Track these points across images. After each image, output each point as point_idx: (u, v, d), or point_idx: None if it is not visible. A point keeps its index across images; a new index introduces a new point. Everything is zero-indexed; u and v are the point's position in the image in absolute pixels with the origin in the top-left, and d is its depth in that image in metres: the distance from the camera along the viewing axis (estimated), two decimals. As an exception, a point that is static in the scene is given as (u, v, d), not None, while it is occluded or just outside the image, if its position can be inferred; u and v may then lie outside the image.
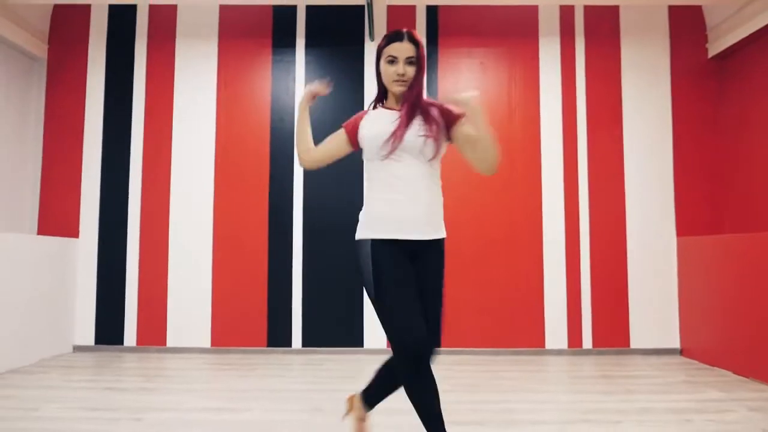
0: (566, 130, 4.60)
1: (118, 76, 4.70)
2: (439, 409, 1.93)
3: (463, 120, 1.98)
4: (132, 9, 4.71)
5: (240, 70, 4.69)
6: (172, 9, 4.71)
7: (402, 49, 1.97)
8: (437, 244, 2.01)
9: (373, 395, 2.15)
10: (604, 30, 4.65)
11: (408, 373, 1.89)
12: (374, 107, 2.15)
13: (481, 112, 1.89)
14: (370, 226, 2.01)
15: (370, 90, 4.61)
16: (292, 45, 4.69)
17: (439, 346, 1.95)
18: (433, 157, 1.99)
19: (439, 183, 2.05)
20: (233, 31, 4.71)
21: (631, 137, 4.59)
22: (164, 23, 4.72)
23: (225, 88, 4.67)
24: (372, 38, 4.58)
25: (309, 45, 4.69)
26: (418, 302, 1.90)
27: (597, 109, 4.61)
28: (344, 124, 2.18)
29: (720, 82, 4.60)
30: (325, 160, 2.22)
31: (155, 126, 4.67)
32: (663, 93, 4.61)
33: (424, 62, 2.01)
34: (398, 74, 1.98)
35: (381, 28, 4.65)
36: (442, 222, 2.05)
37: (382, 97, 2.12)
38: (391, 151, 1.96)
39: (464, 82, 4.64)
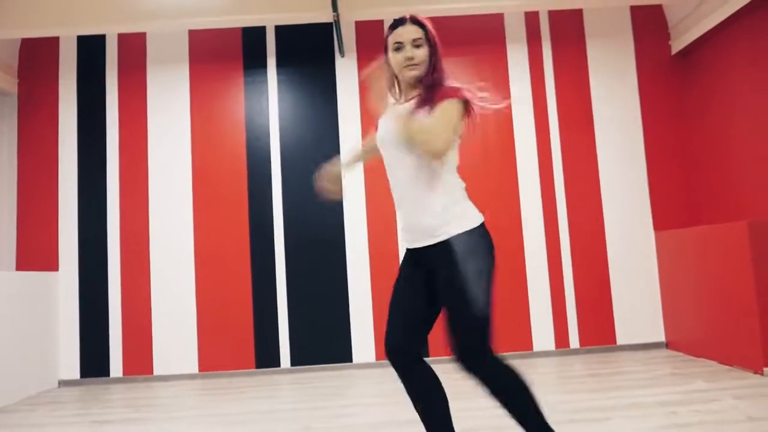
0: (539, 134, 4.66)
1: (91, 106, 4.69)
2: (426, 413, 1.89)
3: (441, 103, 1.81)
4: (101, 39, 4.72)
5: (213, 93, 4.70)
6: (141, 37, 4.72)
7: (406, 32, 1.85)
8: (442, 246, 1.80)
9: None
10: (569, 33, 4.74)
11: (396, 367, 1.90)
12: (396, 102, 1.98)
13: (406, 128, 1.74)
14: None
15: (344, 105, 4.65)
16: (263, 65, 4.71)
17: (484, 353, 1.80)
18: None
19: (446, 178, 1.86)
20: (204, 55, 4.73)
21: (603, 137, 4.66)
22: (134, 51, 4.73)
23: (199, 112, 4.68)
24: (342, 54, 4.62)
25: (280, 64, 4.72)
26: (405, 312, 1.88)
27: (568, 111, 4.68)
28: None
29: (685, 77, 4.70)
30: (371, 152, 2.14)
31: (130, 154, 4.65)
32: (631, 91, 4.70)
33: (437, 45, 1.87)
34: (407, 58, 1.84)
35: (350, 44, 4.69)
36: (450, 218, 1.82)
37: (401, 92, 1.97)
38: (393, 152, 1.87)
39: (436, 92, 4.69)
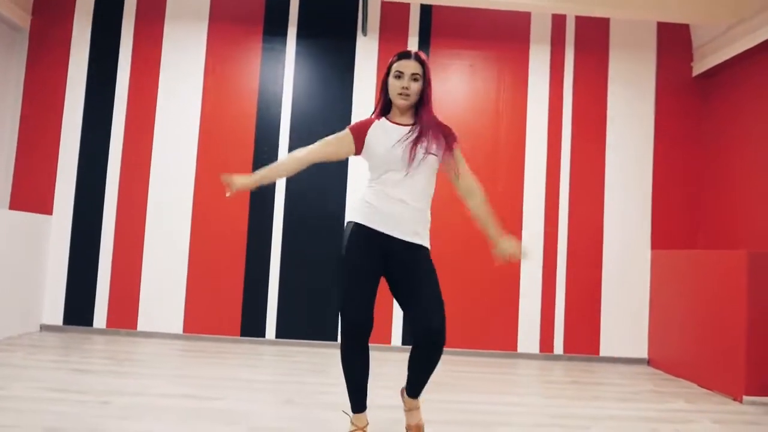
0: (551, 139, 4.65)
1: (103, 52, 4.60)
2: (366, 383, 2.28)
3: (455, 148, 2.31)
4: (121, -15, 4.62)
5: (229, 55, 4.63)
6: (163, -12, 4.63)
7: (409, 66, 2.21)
8: (418, 247, 2.25)
9: (414, 388, 2.31)
10: (593, 41, 4.71)
11: (345, 341, 2.24)
12: (377, 117, 2.34)
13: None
14: (357, 212, 2.29)
15: (359, 85, 4.60)
16: (283, 34, 4.64)
17: (444, 339, 2.18)
18: (433, 174, 2.28)
19: (430, 199, 2.31)
20: (224, 15, 4.65)
21: (614, 148, 4.65)
22: (154, 2, 4.63)
23: (212, 73, 4.61)
24: (365, 33, 4.56)
25: (300, 35, 4.65)
26: (369, 293, 2.21)
27: (582, 119, 4.66)
28: (351, 128, 2.33)
29: (703, 101, 4.69)
30: (321, 160, 2.38)
31: (138, 107, 4.58)
32: (647, 107, 4.69)
33: (430, 81, 2.26)
34: (403, 87, 2.21)
35: (374, 24, 4.63)
36: (425, 232, 2.29)
37: (385, 109, 2.33)
38: (408, 172, 2.21)
39: (453, 83, 4.66)
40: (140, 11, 4.63)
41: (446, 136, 2.29)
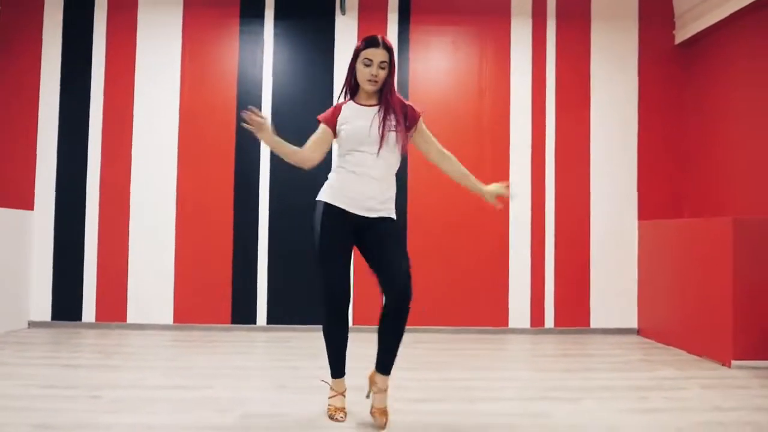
0: (535, 112, 4.62)
1: (76, 41, 4.50)
2: (344, 352, 2.49)
3: (419, 123, 2.47)
4: (91, -28, 4.50)
5: (206, 39, 4.54)
6: (135, -27, 4.51)
7: (377, 54, 2.33)
8: (387, 221, 2.41)
9: (384, 362, 2.40)
10: (575, 12, 4.66)
11: (326, 315, 2.43)
12: (345, 101, 2.48)
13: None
14: (327, 193, 2.42)
15: (341, 65, 4.53)
16: (260, 16, 4.56)
17: (410, 295, 2.30)
18: (399, 150, 2.41)
19: (394, 175, 2.46)
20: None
21: (598, 120, 4.64)
22: (126, -12, 4.52)
23: (190, 58, 4.53)
24: (343, 12, 4.49)
25: (278, 17, 4.57)
26: (346, 266, 2.40)
27: (566, 91, 4.64)
28: (322, 118, 2.46)
29: (686, 69, 4.68)
30: (322, 156, 2.46)
31: (116, 96, 4.49)
32: (630, 77, 4.67)
33: (394, 67, 2.41)
34: (372, 74, 2.34)
35: (353, 2, 4.56)
36: (392, 206, 2.45)
37: (352, 92, 2.47)
38: (378, 150, 2.34)
39: (435, 60, 4.60)
40: (112, -2, 4.52)
41: (410, 113, 2.44)
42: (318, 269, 2.41)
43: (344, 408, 2.47)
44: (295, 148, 2.42)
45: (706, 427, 2.39)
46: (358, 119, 2.38)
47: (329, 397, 2.51)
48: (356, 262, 2.57)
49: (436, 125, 4.45)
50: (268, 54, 4.55)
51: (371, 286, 2.48)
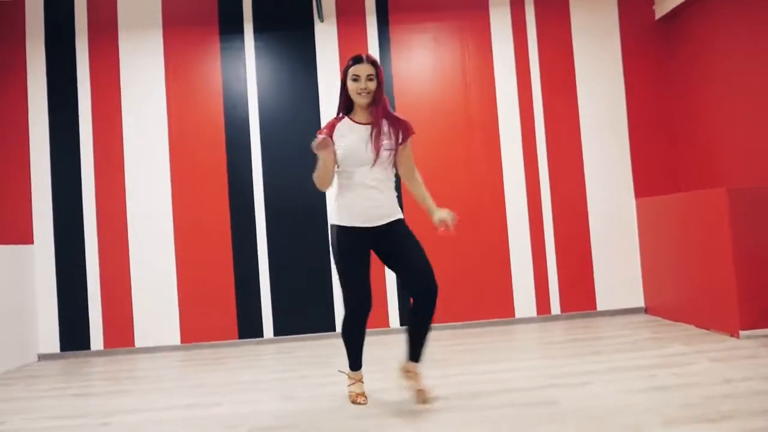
0: (522, 100, 4.61)
1: (61, 73, 4.53)
2: (362, 349, 2.77)
3: (408, 142, 2.64)
4: (69, 2, 4.53)
5: (188, 59, 4.56)
6: (111, 0, 4.54)
7: (363, 69, 2.55)
8: (397, 224, 2.63)
9: (417, 352, 2.64)
10: (553, -3, 4.65)
11: (350, 320, 2.67)
12: (340, 117, 2.68)
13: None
14: (339, 216, 2.64)
15: (324, 71, 4.54)
16: (239, 31, 4.57)
17: (436, 289, 2.51)
18: (392, 165, 2.63)
19: (394, 180, 2.67)
20: (177, 19, 4.57)
21: (586, 102, 4.63)
22: (104, 15, 4.55)
23: (174, 79, 4.54)
24: (321, 19, 4.50)
25: (257, 30, 4.58)
26: (367, 278, 2.62)
27: (551, 76, 4.63)
28: (323, 134, 2.60)
29: (668, 43, 4.66)
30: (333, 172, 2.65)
31: (104, 124, 4.52)
32: (614, 56, 4.66)
33: (382, 80, 2.60)
34: (361, 88, 2.55)
35: (330, 9, 4.56)
36: (398, 207, 2.67)
37: (347, 108, 2.67)
38: (374, 165, 2.55)
39: (417, 59, 4.60)
40: (92, 26, 4.54)
41: (403, 130, 2.63)
42: (342, 282, 2.64)
43: (364, 393, 2.77)
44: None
45: (716, 401, 2.38)
46: (353, 137, 2.58)
47: (348, 385, 2.80)
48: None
49: (425, 124, 4.48)
50: (250, 68, 4.56)
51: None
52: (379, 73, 2.59)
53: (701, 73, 4.32)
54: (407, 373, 2.66)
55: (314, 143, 2.46)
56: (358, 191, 2.58)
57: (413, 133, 2.66)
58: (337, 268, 2.65)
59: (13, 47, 4.51)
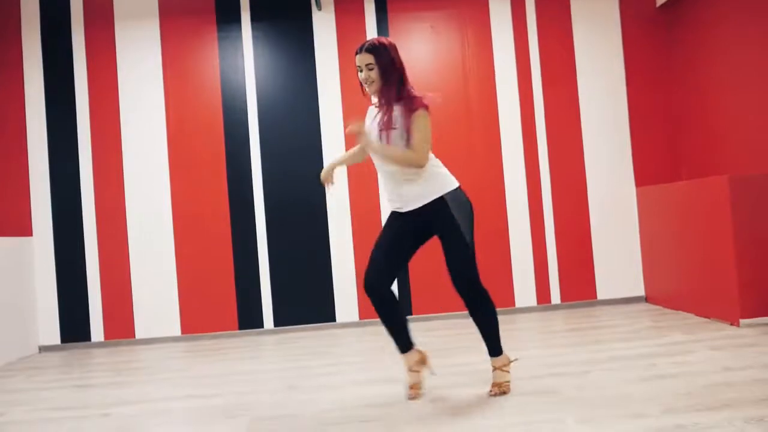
0: (522, 88, 4.59)
1: (57, 65, 4.50)
2: (400, 332, 2.60)
3: (413, 116, 2.45)
4: (65, -7, 4.50)
5: (185, 50, 4.53)
6: (108, -10, 4.50)
7: (361, 59, 2.48)
8: (436, 204, 2.47)
9: (486, 342, 2.61)
10: (553, -16, 4.61)
11: (372, 302, 2.55)
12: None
13: (365, 142, 2.45)
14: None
15: (322, 61, 4.51)
16: (237, 20, 4.54)
17: (474, 279, 2.52)
18: (406, 143, 2.44)
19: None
20: (174, 9, 4.53)
21: (586, 91, 4.60)
22: (100, 6, 4.51)
23: (171, 70, 4.52)
24: (319, 7, 4.46)
25: (255, 19, 4.54)
26: (385, 259, 2.53)
27: (551, 64, 4.60)
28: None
29: (669, 31, 4.62)
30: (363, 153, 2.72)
31: (102, 114, 4.50)
32: (614, 44, 4.62)
33: (387, 62, 2.45)
34: (363, 79, 2.50)
35: (328, -3, 4.53)
36: (432, 185, 2.48)
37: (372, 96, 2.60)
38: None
39: (416, 48, 4.57)
40: (88, 17, 4.50)
41: (408, 108, 2.45)
42: None
43: (416, 384, 2.60)
44: (351, 152, 2.78)
45: (716, 389, 2.38)
46: (368, 119, 2.59)
47: (407, 371, 2.64)
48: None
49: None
50: (248, 58, 4.53)
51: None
52: (379, 59, 2.43)
53: (703, 61, 4.29)
54: (494, 368, 2.60)
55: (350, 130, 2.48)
56: (380, 174, 2.60)
57: (415, 108, 2.42)
58: None
59: (9, 39, 4.48)
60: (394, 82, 2.46)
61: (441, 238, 2.51)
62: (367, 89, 2.52)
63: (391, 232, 2.56)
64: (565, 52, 4.60)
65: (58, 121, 4.49)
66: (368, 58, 2.46)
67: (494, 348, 2.59)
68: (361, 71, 2.48)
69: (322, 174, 2.74)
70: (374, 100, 2.58)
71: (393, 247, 2.55)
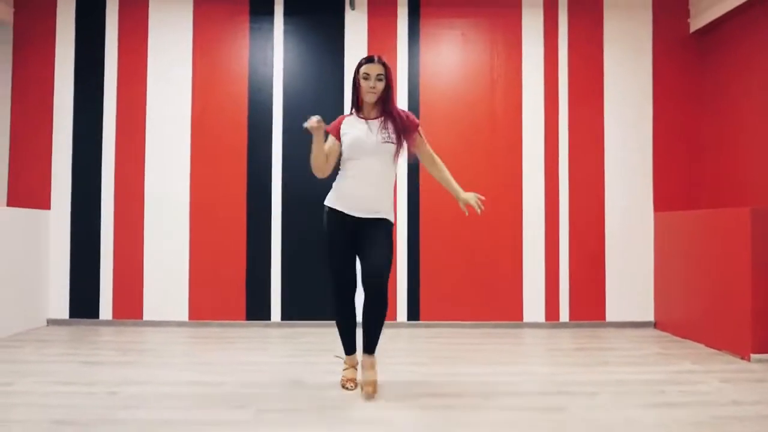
0: (548, 103, 4.58)
1: (89, 42, 4.54)
2: (353, 333, 2.92)
3: (420, 134, 2.81)
4: (103, -28, 4.53)
5: (216, 37, 4.55)
6: (145, -27, 4.54)
7: (373, 68, 2.70)
8: (380, 222, 2.73)
9: (367, 339, 2.80)
10: (587, 1, 4.60)
11: (337, 305, 2.86)
12: (349, 114, 2.86)
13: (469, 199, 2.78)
14: (330, 199, 2.80)
15: (351, 61, 4.52)
16: (270, 12, 4.56)
17: (385, 275, 2.66)
18: (395, 160, 2.76)
19: (393, 178, 2.80)
20: (209, -4, 4.56)
21: (612, 111, 4.59)
22: (137, -13, 4.55)
23: (201, 56, 4.54)
24: (353, 7, 4.48)
25: (287, 13, 4.56)
26: (350, 260, 2.79)
27: (579, 81, 4.59)
28: (329, 130, 2.82)
29: (701, 57, 4.60)
30: (333, 163, 2.82)
31: (128, 94, 4.53)
32: (644, 67, 4.61)
33: (391, 81, 2.76)
34: (370, 87, 2.70)
35: (362, -3, 4.54)
36: (390, 208, 2.78)
37: (357, 106, 2.82)
38: (375, 158, 2.70)
39: (445, 54, 4.57)
40: (124, -2, 4.54)
41: (409, 124, 2.76)
42: (329, 262, 2.81)
43: (354, 378, 2.88)
44: (324, 159, 2.78)
45: (724, 422, 2.36)
46: (358, 130, 2.73)
47: (343, 370, 2.93)
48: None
49: (447, 118, 4.47)
50: (278, 51, 4.55)
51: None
52: (388, 74, 2.72)
53: (733, 90, 4.27)
54: (362, 363, 2.81)
55: (306, 123, 2.58)
56: (354, 181, 2.71)
57: (416, 124, 2.78)
58: (324, 250, 2.80)
59: (44, 13, 4.52)
60: (392, 97, 2.77)
61: (372, 241, 2.69)
62: (366, 97, 2.71)
63: (344, 237, 2.75)
64: (594, 70, 4.59)
65: (85, 99, 4.52)
66: (381, 69, 2.70)
67: (374, 346, 2.82)
68: (368, 79, 2.69)
69: (313, 120, 2.58)
70: (363, 111, 2.79)
71: (350, 250, 2.79)
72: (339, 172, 2.82)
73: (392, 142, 2.70)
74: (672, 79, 4.61)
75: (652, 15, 4.61)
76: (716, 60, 4.45)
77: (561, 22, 4.60)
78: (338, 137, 2.79)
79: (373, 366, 2.79)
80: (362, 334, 2.79)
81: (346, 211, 2.72)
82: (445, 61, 4.57)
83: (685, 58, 4.62)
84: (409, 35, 4.55)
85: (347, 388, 2.80)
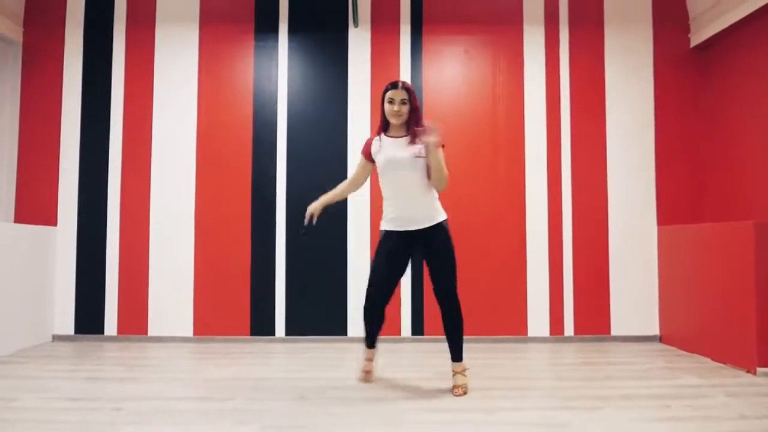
0: (550, 119, 4.61)
1: (96, 61, 4.60)
2: (376, 333, 3.19)
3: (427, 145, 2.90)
4: (110, -8, 4.61)
5: (222, 56, 4.62)
6: (152, -8, 4.61)
7: (397, 94, 2.95)
8: (436, 228, 2.96)
9: (451, 349, 3.12)
10: (588, 17, 4.65)
11: (365, 313, 3.11)
12: (378, 134, 3.07)
13: (434, 150, 2.82)
14: (384, 224, 3.04)
15: (354, 78, 4.57)
16: (274, 30, 4.62)
17: (456, 293, 3.05)
18: (425, 172, 2.93)
19: (430, 187, 2.98)
20: (215, 15, 4.63)
21: (614, 125, 4.61)
22: (143, 7, 4.62)
23: (207, 74, 4.60)
24: (356, 24, 4.53)
25: (292, 31, 4.63)
26: (387, 282, 3.03)
27: (580, 97, 4.62)
28: (362, 152, 3.15)
29: (702, 72, 4.63)
30: (365, 179, 3.19)
31: (135, 112, 4.58)
32: (646, 82, 4.64)
33: (416, 103, 2.98)
34: (394, 111, 2.95)
35: (365, 15, 4.60)
36: (437, 211, 3.00)
37: (384, 126, 3.06)
38: (410, 171, 2.93)
39: (448, 71, 4.62)
40: (130, 17, 4.62)
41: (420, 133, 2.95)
42: (369, 276, 3.07)
43: (371, 371, 3.23)
44: (341, 188, 3.21)
45: (731, 436, 2.35)
46: (389, 149, 2.97)
47: (364, 360, 3.26)
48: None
49: (451, 134, 4.49)
50: (282, 68, 4.60)
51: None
52: (412, 98, 2.95)
53: (734, 104, 4.29)
54: (452, 371, 3.11)
55: (305, 222, 3.12)
56: (396, 200, 2.96)
57: (441, 145, 2.93)
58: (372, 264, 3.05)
59: (51, 33, 4.60)
60: (418, 117, 2.97)
61: (435, 255, 2.96)
62: (392, 120, 2.95)
63: (389, 256, 2.98)
64: (596, 86, 4.62)
65: (92, 116, 4.58)
66: (404, 95, 2.93)
67: (460, 354, 3.09)
68: (392, 103, 2.93)
69: (313, 207, 3.13)
70: (391, 131, 3.04)
71: (392, 268, 3.01)
72: (384, 195, 3.05)
73: (423, 156, 2.88)
74: (673, 93, 4.63)
75: (653, 30, 4.65)
76: (717, 74, 4.48)
77: (562, 37, 4.64)
78: (369, 158, 3.08)
79: (463, 371, 3.06)
80: (447, 344, 3.08)
81: (400, 229, 2.96)
82: (447, 77, 4.62)
83: (686, 73, 4.65)
84: (411, 52, 4.60)
85: (366, 381, 3.20)
